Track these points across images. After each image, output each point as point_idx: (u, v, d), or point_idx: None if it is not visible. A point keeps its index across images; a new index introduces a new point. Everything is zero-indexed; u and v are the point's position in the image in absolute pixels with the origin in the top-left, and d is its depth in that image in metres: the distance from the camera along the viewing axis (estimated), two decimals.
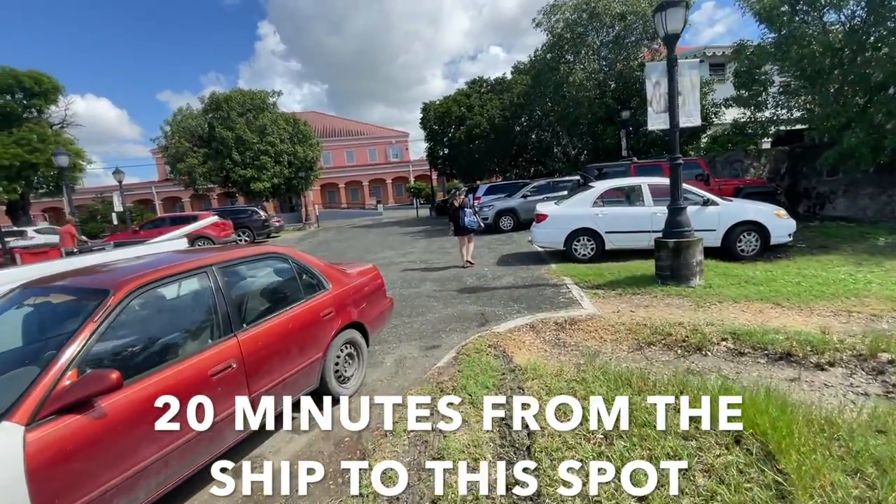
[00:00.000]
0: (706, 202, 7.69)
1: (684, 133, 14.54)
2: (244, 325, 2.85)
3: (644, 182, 8.15)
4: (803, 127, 12.36)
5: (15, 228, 21.81)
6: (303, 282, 3.49)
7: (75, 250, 12.44)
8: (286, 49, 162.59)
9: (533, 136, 22.97)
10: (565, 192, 14.31)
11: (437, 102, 27.13)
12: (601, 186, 8.38)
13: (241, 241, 19.25)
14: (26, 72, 21.89)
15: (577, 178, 14.15)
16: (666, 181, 8.40)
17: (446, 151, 27.83)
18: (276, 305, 3.19)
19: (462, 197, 9.15)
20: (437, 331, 5.30)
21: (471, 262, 9.02)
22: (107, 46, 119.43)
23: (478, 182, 23.22)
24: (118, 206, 19.62)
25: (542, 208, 8.75)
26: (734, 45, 13.16)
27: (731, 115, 14.98)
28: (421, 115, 27.82)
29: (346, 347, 3.77)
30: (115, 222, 22.71)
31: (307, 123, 27.09)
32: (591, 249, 8.27)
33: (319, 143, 27.93)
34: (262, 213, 20.13)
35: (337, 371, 3.63)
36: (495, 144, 21.19)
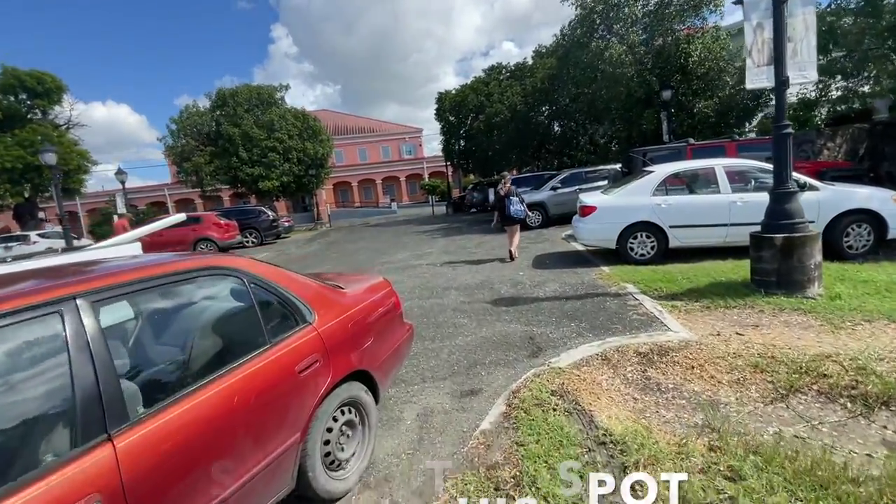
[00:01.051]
0: (803, 186, 6.10)
1: (735, 111, 12.84)
2: (138, 411, 1.49)
3: (718, 164, 6.61)
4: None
5: (19, 233, 21.21)
6: (267, 314, 2.12)
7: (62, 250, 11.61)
8: (298, 51, 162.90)
9: (556, 127, 21.37)
10: (600, 184, 12.79)
11: (454, 91, 25.58)
12: (663, 170, 6.85)
13: (247, 242, 18.20)
14: (28, 71, 21.19)
15: (617, 167, 12.60)
16: (745, 163, 6.90)
17: (462, 144, 26.34)
18: (211, 364, 1.82)
19: (508, 185, 8.31)
20: (474, 364, 3.90)
21: (513, 257, 8.29)
22: (125, 53, 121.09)
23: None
24: (121, 208, 18.72)
25: (588, 199, 7.27)
26: None
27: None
28: (436, 106, 26.34)
29: (344, 412, 2.40)
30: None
31: (317, 119, 25.95)
32: (652, 248, 6.77)
33: (330, 140, 26.77)
34: (269, 212, 19.02)
35: (328, 454, 2.26)
36: (517, 134, 19.64)
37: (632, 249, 6.84)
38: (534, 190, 13.75)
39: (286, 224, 21.52)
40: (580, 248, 8.85)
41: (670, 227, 6.62)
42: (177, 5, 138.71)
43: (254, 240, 18.48)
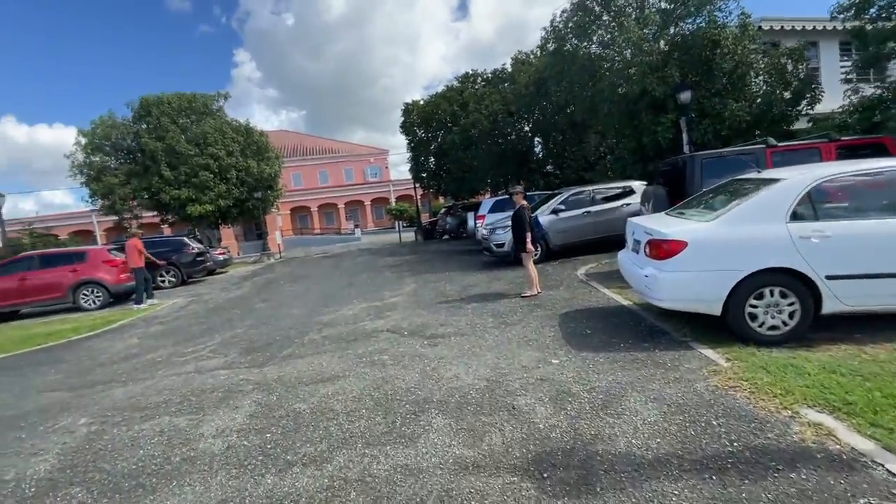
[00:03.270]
0: None
1: (769, 116, 10.49)
2: None
3: None
4: None
5: None
6: None
7: None
8: (263, 76, 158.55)
9: (538, 142, 18.79)
10: (614, 205, 10.00)
11: (422, 102, 22.65)
12: (804, 177, 3.91)
13: (163, 282, 14.30)
14: None
15: (637, 184, 9.85)
16: None
17: (433, 162, 23.35)
18: None
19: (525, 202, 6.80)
20: None
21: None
22: (81, 76, 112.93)
23: (482, 197, 18.76)
24: None
25: (666, 228, 4.22)
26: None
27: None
28: (402, 118, 23.28)
29: None
30: None
31: (264, 133, 22.43)
32: (790, 315, 3.75)
33: (279, 158, 23.23)
34: (194, 244, 15.18)
35: None
36: (499, 148, 16.83)
37: (753, 318, 3.81)
38: None
39: (220, 257, 17.63)
40: (623, 301, 5.81)
41: (828, 277, 3.64)
42: (135, 28, 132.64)
43: (172, 279, 14.58)
